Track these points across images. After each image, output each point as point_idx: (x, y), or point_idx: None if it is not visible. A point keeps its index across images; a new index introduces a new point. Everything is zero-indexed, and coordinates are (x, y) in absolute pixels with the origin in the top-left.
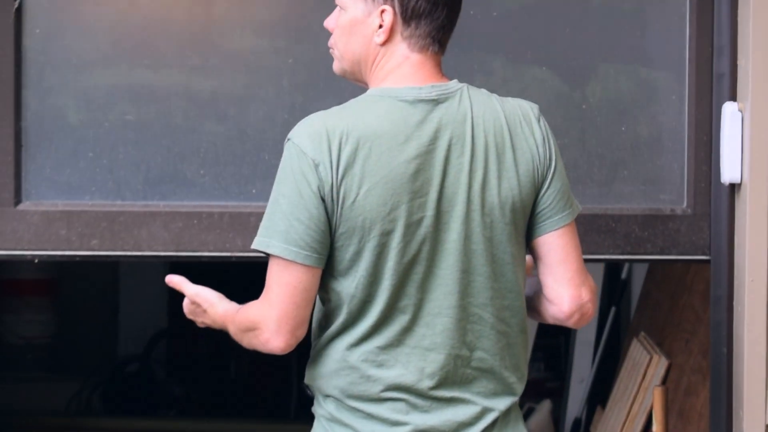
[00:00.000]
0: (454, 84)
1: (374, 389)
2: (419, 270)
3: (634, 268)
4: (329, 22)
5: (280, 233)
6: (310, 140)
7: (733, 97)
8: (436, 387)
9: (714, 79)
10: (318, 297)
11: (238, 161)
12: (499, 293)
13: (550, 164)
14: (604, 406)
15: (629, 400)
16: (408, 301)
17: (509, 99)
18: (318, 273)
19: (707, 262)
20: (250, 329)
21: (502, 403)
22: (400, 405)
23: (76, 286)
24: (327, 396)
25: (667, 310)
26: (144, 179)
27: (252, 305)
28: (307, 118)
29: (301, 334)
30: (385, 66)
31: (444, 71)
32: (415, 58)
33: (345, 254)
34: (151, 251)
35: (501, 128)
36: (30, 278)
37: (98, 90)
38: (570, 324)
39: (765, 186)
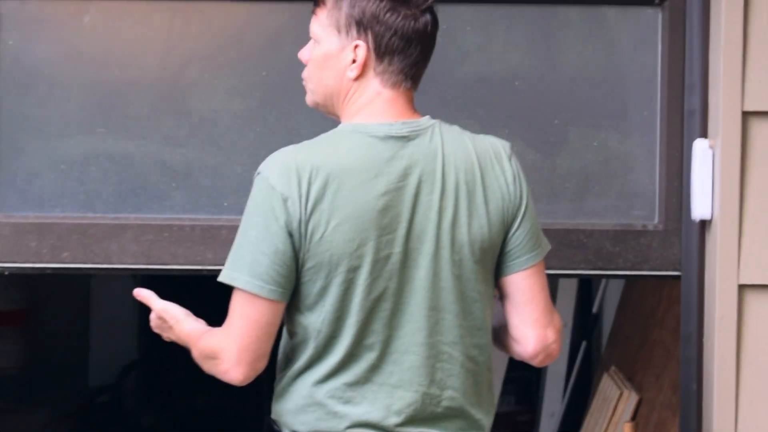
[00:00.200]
0: (425, 120)
1: (340, 426)
2: (386, 307)
3: (605, 302)
4: (303, 54)
5: (246, 266)
6: (280, 175)
7: (704, 134)
8: (403, 424)
9: (685, 116)
10: (285, 330)
11: (209, 174)
12: (468, 331)
13: (520, 204)
14: None
15: None
16: (375, 338)
17: (481, 136)
18: (281, 307)
19: (678, 278)
20: (211, 357)
21: None
22: None
23: (47, 317)
24: (294, 431)
25: (638, 346)
26: (115, 192)
27: (214, 334)
28: (277, 152)
29: (261, 366)
30: (357, 101)
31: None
32: (388, 94)
33: (312, 289)
34: (122, 264)
35: (472, 166)
36: (1, 309)
37: (70, 102)
38: (535, 363)
39: (735, 223)
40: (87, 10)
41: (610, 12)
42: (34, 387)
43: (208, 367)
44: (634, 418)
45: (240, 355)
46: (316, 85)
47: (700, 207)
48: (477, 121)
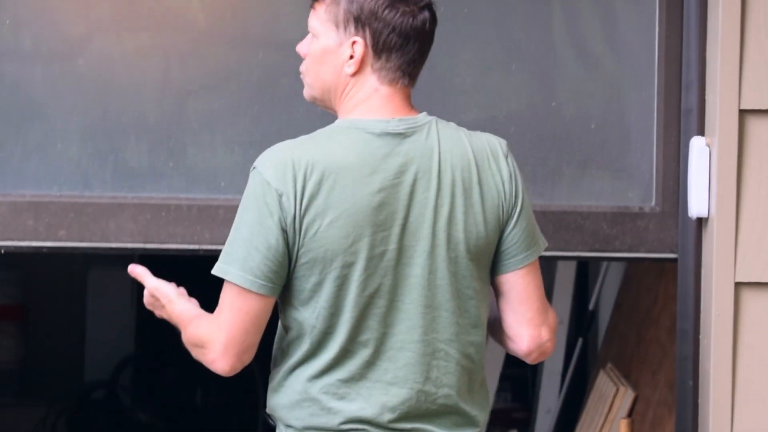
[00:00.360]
0: (422, 117)
1: (334, 421)
2: (381, 304)
3: (601, 299)
4: (302, 48)
5: (238, 260)
6: (275, 170)
7: (701, 132)
8: (396, 420)
9: (682, 114)
10: (280, 325)
11: (207, 154)
12: (464, 329)
13: (515, 202)
14: None
15: (595, 431)
16: (370, 334)
17: (478, 133)
18: (271, 302)
19: (675, 260)
20: (199, 346)
21: None
22: None
23: (43, 312)
24: (288, 426)
25: (634, 343)
26: (112, 171)
27: (203, 322)
28: (273, 147)
29: (248, 358)
30: (354, 97)
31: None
32: (385, 90)
33: (306, 284)
34: (119, 243)
35: (468, 163)
36: None
37: (67, 81)
38: (528, 360)
39: (732, 221)
40: None
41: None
42: (31, 382)
43: (195, 354)
44: (630, 415)
45: (227, 346)
46: (313, 79)
47: (696, 204)
48: (474, 105)
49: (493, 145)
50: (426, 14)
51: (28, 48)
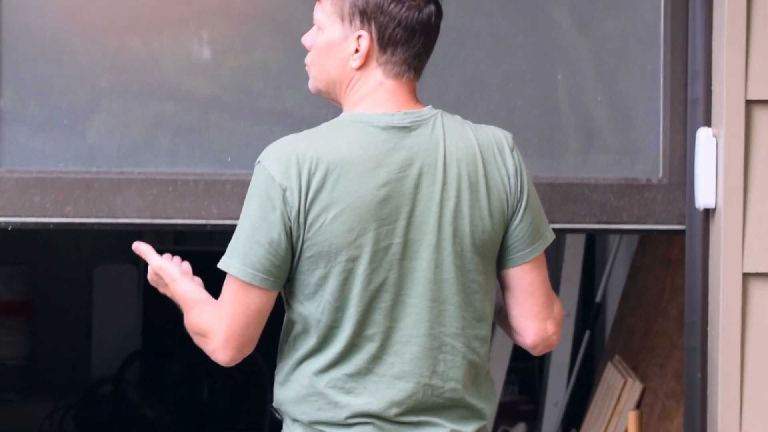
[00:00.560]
0: (427, 111)
1: (340, 415)
2: (387, 298)
3: (608, 291)
4: (307, 40)
5: (240, 254)
6: (279, 165)
7: (708, 123)
8: (403, 414)
9: (688, 105)
10: (286, 319)
11: (213, 129)
12: (470, 323)
13: (521, 197)
14: (578, 430)
15: (603, 423)
16: (376, 328)
17: (483, 127)
18: (273, 296)
19: (682, 232)
20: (200, 335)
21: (470, 427)
22: (368, 428)
23: (49, 308)
24: (295, 420)
25: (642, 335)
26: (118, 147)
27: (206, 310)
28: (277, 141)
29: (248, 350)
30: (360, 90)
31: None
32: (390, 84)
33: (311, 278)
34: (126, 218)
35: (474, 157)
36: (3, 299)
37: (73, 58)
38: (534, 353)
39: (739, 211)
40: None
41: None
42: (38, 378)
43: (197, 340)
44: (638, 407)
45: (228, 338)
46: (318, 72)
47: (704, 196)
48: (480, 79)
49: (498, 138)
50: (432, 8)
51: (36, 25)
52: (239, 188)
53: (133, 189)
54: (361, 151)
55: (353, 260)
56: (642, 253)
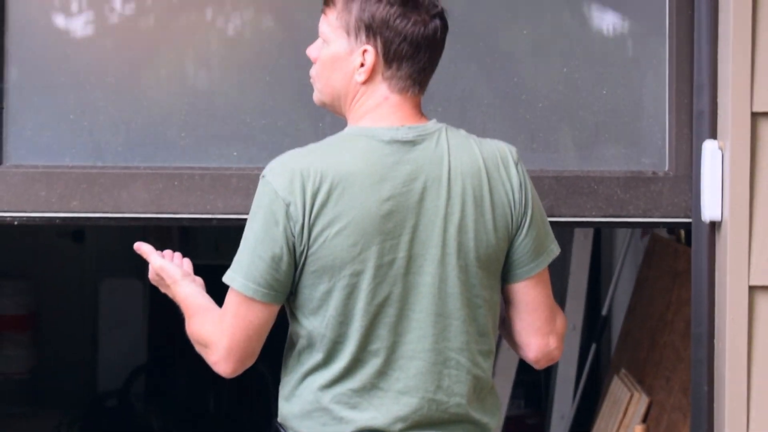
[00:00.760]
0: (432, 125)
1: (345, 430)
2: (391, 312)
3: (614, 304)
4: (312, 52)
5: (243, 269)
6: (283, 179)
7: (714, 136)
8: (408, 429)
9: (694, 117)
10: (290, 333)
11: (218, 123)
12: (474, 337)
13: (525, 212)
14: None
15: None
16: (380, 343)
17: (487, 141)
18: (275, 309)
19: (689, 224)
20: (202, 345)
21: None
22: None
23: (54, 321)
24: None
25: (648, 348)
26: (124, 141)
27: (208, 320)
28: (282, 155)
29: (250, 362)
30: (364, 104)
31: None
32: (395, 99)
33: (316, 293)
34: (132, 213)
35: (478, 171)
36: (9, 313)
37: (79, 52)
38: (536, 367)
39: (745, 224)
40: None
41: None
42: (43, 391)
43: (198, 350)
44: (644, 420)
45: (229, 351)
46: (323, 85)
47: (710, 208)
48: (486, 73)
49: (503, 152)
50: (437, 22)
51: (42, 20)
52: (245, 182)
53: (138, 183)
54: (366, 165)
55: (357, 275)
56: (648, 265)
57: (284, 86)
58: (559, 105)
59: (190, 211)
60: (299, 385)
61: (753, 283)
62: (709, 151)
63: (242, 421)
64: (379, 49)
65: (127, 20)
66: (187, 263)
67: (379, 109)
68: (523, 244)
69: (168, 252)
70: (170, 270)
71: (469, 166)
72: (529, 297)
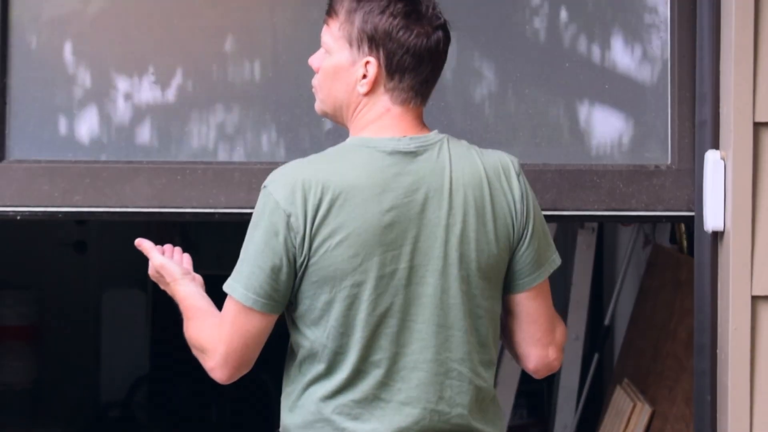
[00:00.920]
0: (433, 135)
1: None
2: (392, 323)
3: (617, 314)
4: (314, 61)
5: (243, 279)
6: (284, 190)
7: (716, 146)
8: None
9: (696, 127)
10: (292, 342)
11: (222, 119)
12: (476, 348)
13: (527, 223)
14: None
15: None
16: (382, 354)
17: (489, 151)
18: (273, 319)
19: (691, 218)
20: (199, 350)
21: None
22: None
23: (57, 332)
24: None
25: (651, 358)
26: (127, 136)
27: (206, 325)
28: (283, 166)
29: (246, 370)
30: (366, 115)
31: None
32: (397, 110)
33: (317, 303)
34: (135, 207)
35: (480, 182)
36: (11, 324)
37: (83, 47)
38: (535, 377)
39: (748, 234)
40: None
41: None
42: (46, 402)
43: (195, 353)
44: (647, 430)
45: (226, 359)
46: (325, 95)
47: (712, 218)
48: (491, 65)
49: (505, 163)
50: (440, 34)
51: (45, 15)
52: (247, 177)
53: (141, 178)
54: (367, 176)
55: (358, 285)
56: (650, 275)
57: (287, 81)
58: (561, 98)
59: (193, 206)
60: (301, 396)
61: (756, 293)
62: (712, 161)
63: (245, 431)
64: (382, 61)
65: (129, 14)
66: (187, 259)
67: (380, 120)
68: (524, 255)
69: (168, 246)
70: (170, 268)
71: (471, 176)
72: (530, 308)
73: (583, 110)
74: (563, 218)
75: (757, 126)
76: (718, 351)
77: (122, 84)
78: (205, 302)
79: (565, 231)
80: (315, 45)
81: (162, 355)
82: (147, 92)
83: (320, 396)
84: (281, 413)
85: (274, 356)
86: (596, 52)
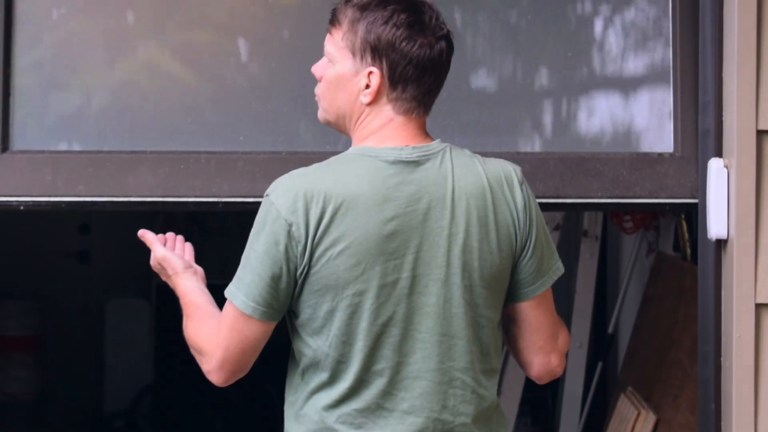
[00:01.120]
0: (436, 144)
1: None
2: (395, 332)
3: (620, 322)
4: (317, 70)
5: (244, 287)
6: (286, 200)
7: (719, 154)
8: None
9: (699, 136)
10: (295, 351)
11: (225, 108)
12: (478, 357)
13: (530, 232)
14: None
15: None
16: (385, 363)
17: (491, 160)
18: (271, 326)
19: (694, 206)
20: (197, 351)
21: None
22: None
23: (60, 342)
24: None
25: (655, 366)
26: (130, 126)
27: (205, 327)
28: (285, 176)
29: (242, 374)
30: (369, 125)
31: None
32: (400, 120)
33: (319, 312)
34: (138, 197)
35: (483, 191)
36: (15, 334)
37: (85, 37)
38: (538, 382)
39: (751, 242)
40: None
41: None
42: (49, 412)
43: (193, 353)
44: None
45: (223, 363)
46: (328, 104)
47: (715, 226)
48: (491, 56)
49: (507, 172)
50: (443, 44)
51: (49, 5)
52: (251, 166)
53: (145, 167)
54: (369, 185)
55: (360, 294)
56: (654, 283)
57: (289, 72)
58: (564, 87)
59: (196, 195)
60: (304, 405)
61: (759, 300)
62: (715, 169)
63: None
64: (385, 71)
65: (133, 4)
66: (189, 250)
67: (383, 130)
68: (527, 264)
69: (171, 235)
70: (172, 261)
71: (474, 186)
72: (532, 317)
73: (586, 97)
74: (567, 206)
75: (761, 134)
76: (722, 359)
77: (126, 74)
78: (206, 300)
79: (568, 239)
80: (316, 34)
81: (166, 364)
82: (151, 83)
83: (323, 405)
84: (285, 422)
85: (278, 366)
86: (598, 41)
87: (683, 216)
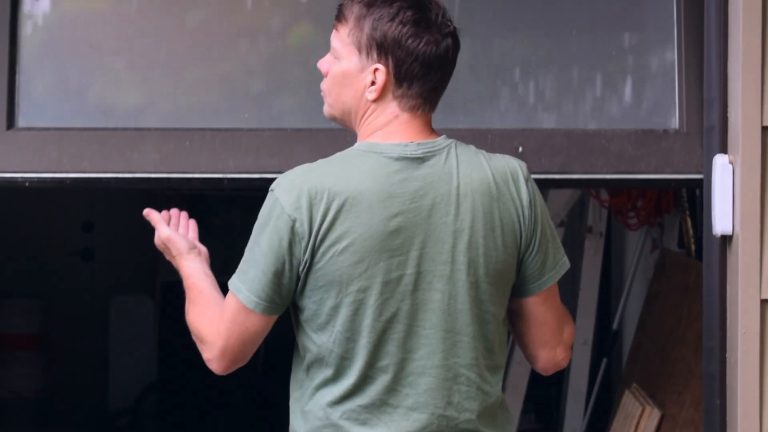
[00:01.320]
0: (441, 141)
1: None
2: (399, 329)
3: (625, 318)
4: (323, 65)
5: (248, 281)
6: (290, 196)
7: (724, 150)
8: None
9: (704, 132)
10: (299, 347)
11: (230, 84)
12: (483, 353)
13: (535, 228)
14: None
15: None
16: (389, 360)
17: (497, 156)
18: (272, 320)
19: (700, 181)
20: (198, 339)
21: None
22: None
23: (65, 340)
24: None
25: (659, 363)
26: (135, 103)
27: (207, 315)
28: (290, 171)
29: (242, 363)
30: (374, 122)
31: None
32: (405, 117)
33: (323, 308)
34: (143, 173)
35: (488, 188)
36: (19, 332)
37: (91, 15)
38: (543, 374)
39: (756, 238)
40: None
41: None
42: (54, 410)
43: (194, 339)
44: None
45: (223, 352)
46: (334, 100)
47: (721, 222)
48: (501, 31)
49: (513, 168)
50: (449, 41)
51: None
52: (255, 142)
53: (149, 143)
54: (374, 182)
55: (364, 291)
56: (658, 279)
57: (293, 49)
58: (570, 63)
59: (201, 171)
60: (309, 401)
61: (765, 296)
62: (720, 165)
63: None
64: (391, 68)
65: None
66: (193, 227)
67: (388, 127)
68: (533, 260)
69: (175, 211)
70: (177, 242)
71: (479, 182)
72: (538, 312)
73: (592, 73)
74: (572, 182)
75: (766, 130)
76: (727, 354)
77: (130, 51)
78: (208, 283)
79: (572, 236)
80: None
81: (170, 362)
82: (156, 60)
83: (328, 401)
84: (291, 417)
85: (284, 366)
86: (604, 18)
87: (687, 212)
